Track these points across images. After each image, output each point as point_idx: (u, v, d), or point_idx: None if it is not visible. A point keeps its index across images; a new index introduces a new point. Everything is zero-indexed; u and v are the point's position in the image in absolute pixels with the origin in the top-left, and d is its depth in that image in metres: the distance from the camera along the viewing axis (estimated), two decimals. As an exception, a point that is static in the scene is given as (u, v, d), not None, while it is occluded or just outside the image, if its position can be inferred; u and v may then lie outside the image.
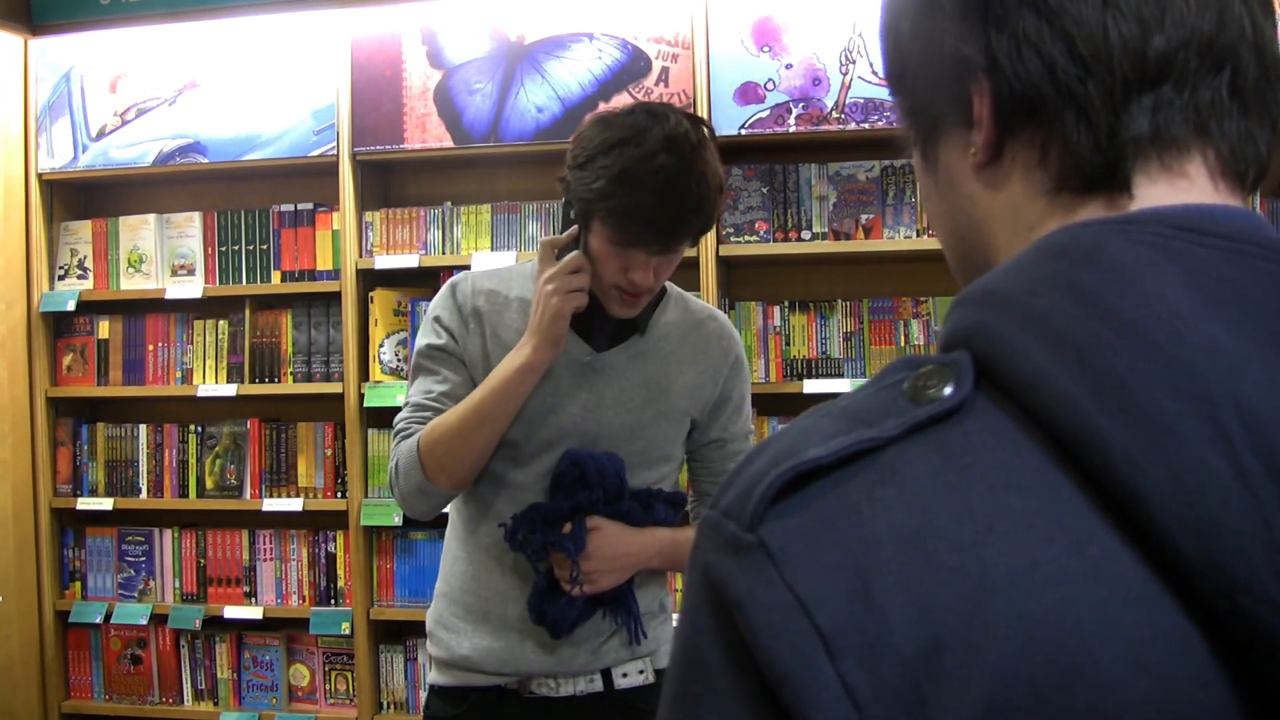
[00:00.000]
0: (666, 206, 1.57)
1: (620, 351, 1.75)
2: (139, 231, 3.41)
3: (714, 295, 2.94)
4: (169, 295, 3.34)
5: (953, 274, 0.65)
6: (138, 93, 3.34)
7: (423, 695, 3.20)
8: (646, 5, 3.03)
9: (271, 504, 3.26)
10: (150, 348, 3.40)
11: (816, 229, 3.01)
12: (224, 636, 3.34)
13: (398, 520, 3.12)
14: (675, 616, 1.88)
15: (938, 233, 0.65)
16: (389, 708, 3.24)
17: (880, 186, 3.00)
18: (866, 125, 2.93)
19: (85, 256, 3.44)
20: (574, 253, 1.65)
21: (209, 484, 3.35)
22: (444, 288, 1.80)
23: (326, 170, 3.24)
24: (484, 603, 1.75)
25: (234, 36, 3.27)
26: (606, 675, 1.76)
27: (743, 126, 2.97)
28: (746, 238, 3.03)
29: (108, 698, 3.42)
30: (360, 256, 3.20)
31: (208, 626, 3.33)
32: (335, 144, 3.19)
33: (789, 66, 2.95)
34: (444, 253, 3.19)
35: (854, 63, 2.93)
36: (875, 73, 2.92)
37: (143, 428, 3.41)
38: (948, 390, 0.49)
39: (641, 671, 1.78)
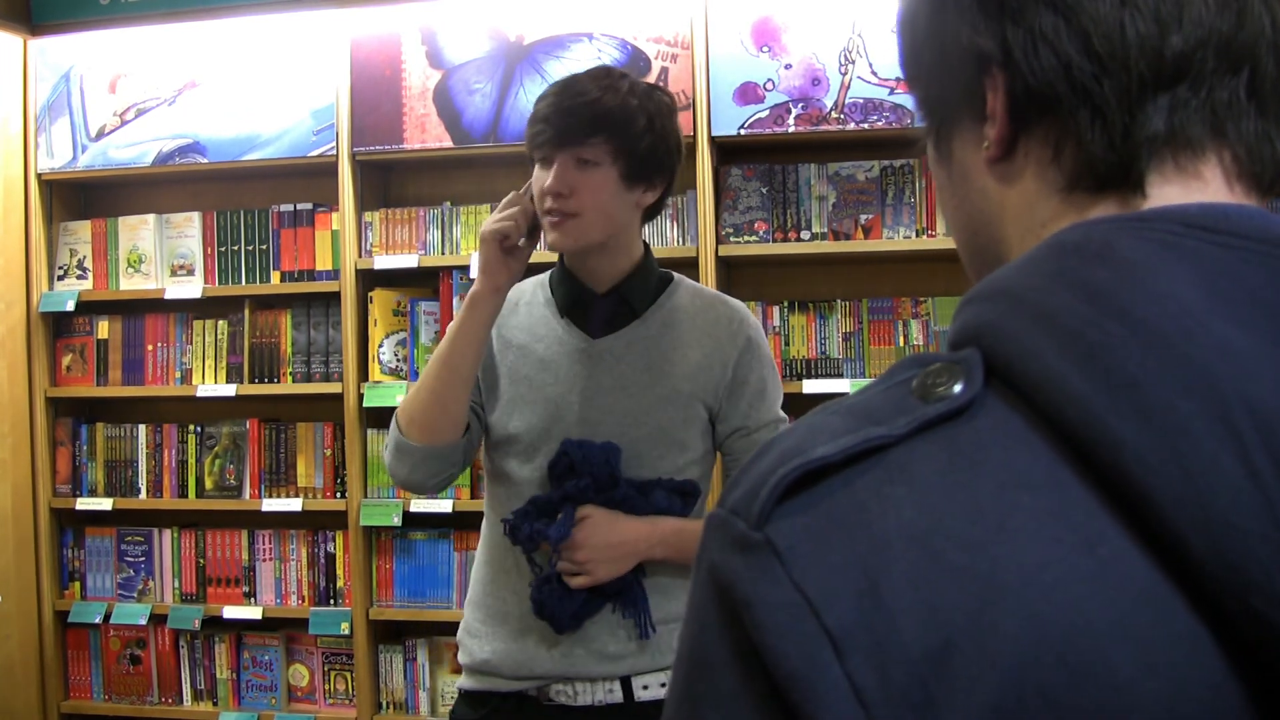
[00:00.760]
0: (568, 104, 1.65)
1: (617, 337, 1.75)
2: (138, 231, 3.40)
3: (714, 295, 2.94)
4: (168, 295, 3.33)
5: (965, 269, 0.64)
6: (137, 93, 3.34)
7: (422, 695, 3.21)
8: (646, 5, 3.03)
9: (271, 504, 3.26)
10: (150, 348, 3.40)
11: (816, 229, 3.01)
12: (223, 636, 3.34)
13: (397, 520, 3.12)
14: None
15: (951, 227, 0.65)
16: (388, 708, 3.24)
17: (880, 186, 3.00)
18: (866, 125, 2.93)
19: (85, 256, 3.44)
20: (513, 192, 1.72)
21: (208, 484, 3.35)
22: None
23: (326, 170, 3.24)
24: (502, 603, 1.75)
25: (234, 36, 3.27)
26: (626, 686, 1.72)
27: (742, 126, 2.97)
28: (746, 238, 3.03)
29: (107, 698, 3.41)
30: (360, 256, 3.20)
31: (207, 626, 3.33)
32: (335, 144, 3.19)
33: (788, 66, 2.95)
34: (443, 253, 3.19)
35: (853, 63, 2.93)
36: (875, 73, 2.92)
37: (142, 428, 3.41)
38: (957, 388, 0.49)
39: (663, 684, 1.73)
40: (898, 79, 2.91)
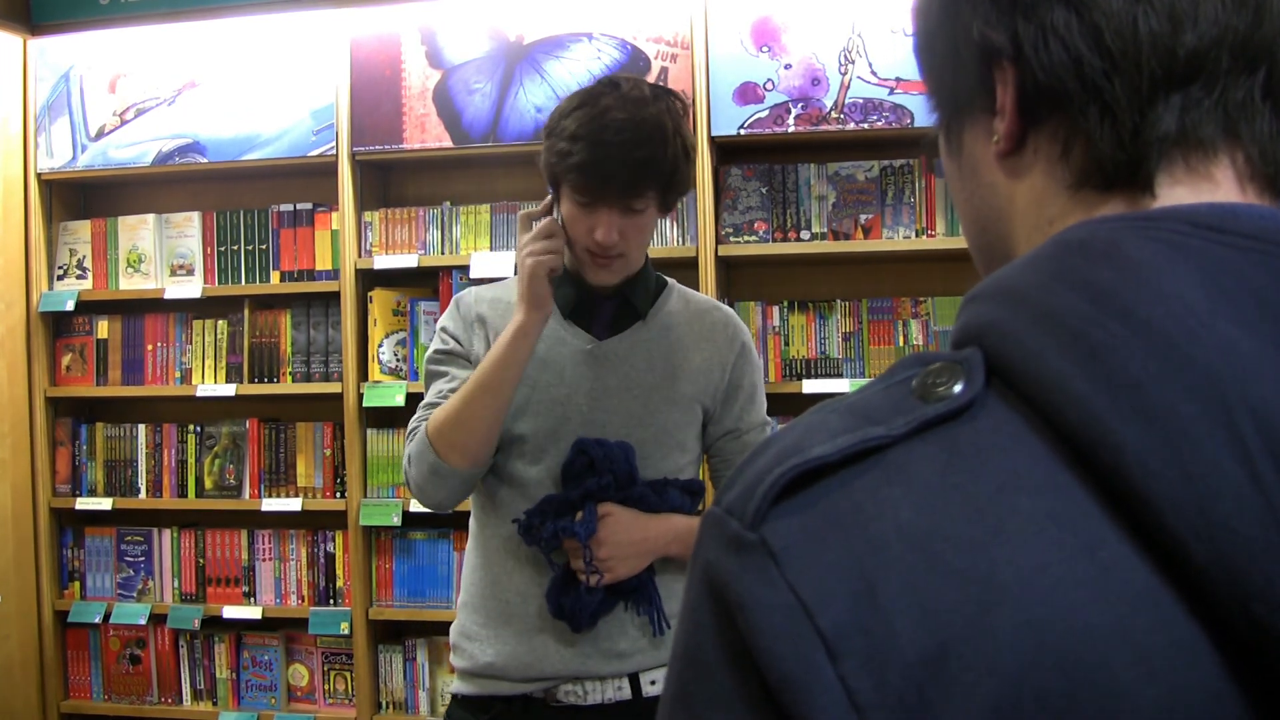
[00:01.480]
0: (622, 158, 1.60)
1: (623, 339, 1.76)
2: (138, 231, 3.40)
3: (713, 295, 2.93)
4: (168, 295, 3.33)
5: (975, 264, 0.63)
6: (137, 93, 3.33)
7: (422, 695, 3.20)
8: (646, 5, 3.03)
9: (270, 504, 3.26)
10: (149, 348, 3.40)
11: (816, 229, 3.01)
12: (223, 636, 3.34)
13: (397, 520, 3.12)
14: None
15: (961, 221, 0.64)
16: (388, 708, 3.24)
17: (879, 186, 2.99)
18: (866, 125, 2.92)
19: (84, 256, 3.44)
20: (547, 219, 1.69)
21: (208, 484, 3.35)
22: (450, 304, 1.84)
23: (326, 170, 3.24)
24: (504, 605, 1.74)
25: (233, 36, 3.27)
26: (635, 683, 1.73)
27: (742, 126, 2.96)
28: (746, 238, 3.02)
29: (107, 697, 3.41)
30: (359, 256, 3.20)
31: (207, 626, 3.33)
32: (334, 144, 3.18)
33: (788, 66, 2.95)
34: (443, 253, 3.19)
35: (853, 63, 2.93)
36: (874, 73, 2.92)
37: (142, 428, 3.41)
38: (958, 388, 0.48)
39: None
40: (897, 79, 2.91)
